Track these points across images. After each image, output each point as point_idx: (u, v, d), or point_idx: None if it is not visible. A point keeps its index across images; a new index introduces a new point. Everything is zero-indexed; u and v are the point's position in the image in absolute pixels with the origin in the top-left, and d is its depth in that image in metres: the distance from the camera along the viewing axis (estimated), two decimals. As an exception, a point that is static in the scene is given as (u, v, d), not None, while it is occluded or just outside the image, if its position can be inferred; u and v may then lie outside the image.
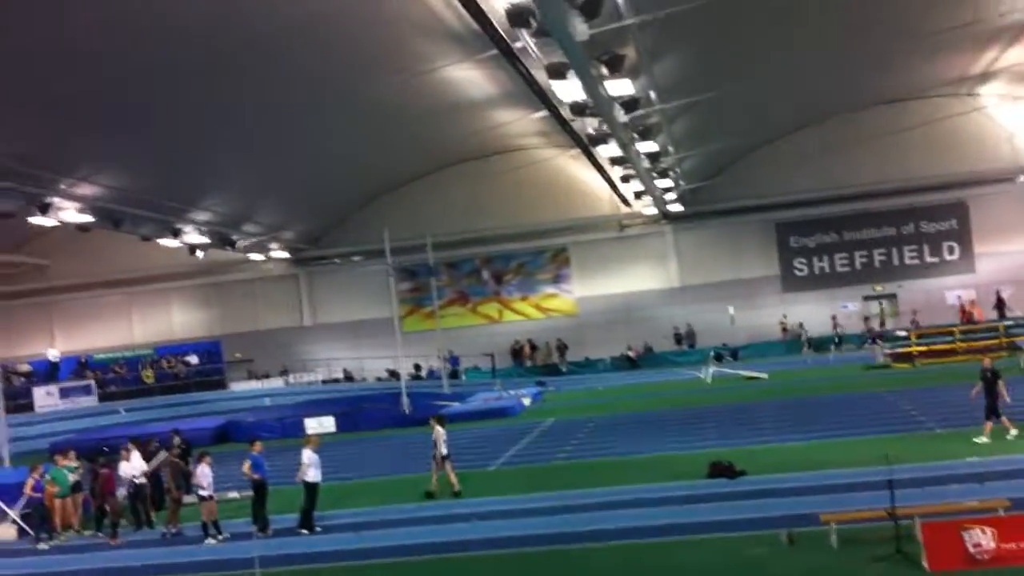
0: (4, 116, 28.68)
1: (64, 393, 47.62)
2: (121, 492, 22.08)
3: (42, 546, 21.03)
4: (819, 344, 49.42)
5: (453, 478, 21.66)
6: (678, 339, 53.06)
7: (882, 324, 50.54)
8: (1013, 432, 21.06)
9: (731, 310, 51.68)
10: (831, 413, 28.24)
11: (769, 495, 18.03)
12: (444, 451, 21.59)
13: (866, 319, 51.26)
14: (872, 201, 51.07)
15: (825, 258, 52.65)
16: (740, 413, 30.39)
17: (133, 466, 21.91)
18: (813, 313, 51.60)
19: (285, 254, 54.81)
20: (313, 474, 19.47)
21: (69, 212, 36.93)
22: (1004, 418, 21.25)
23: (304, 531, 19.21)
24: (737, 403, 33.01)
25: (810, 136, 50.73)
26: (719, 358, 48.27)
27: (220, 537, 19.50)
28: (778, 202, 51.51)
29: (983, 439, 20.98)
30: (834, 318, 50.63)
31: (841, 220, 52.13)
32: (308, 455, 19.64)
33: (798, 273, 52.87)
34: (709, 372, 42.01)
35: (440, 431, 21.77)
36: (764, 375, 40.65)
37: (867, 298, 52.29)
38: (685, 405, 33.97)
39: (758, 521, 16.06)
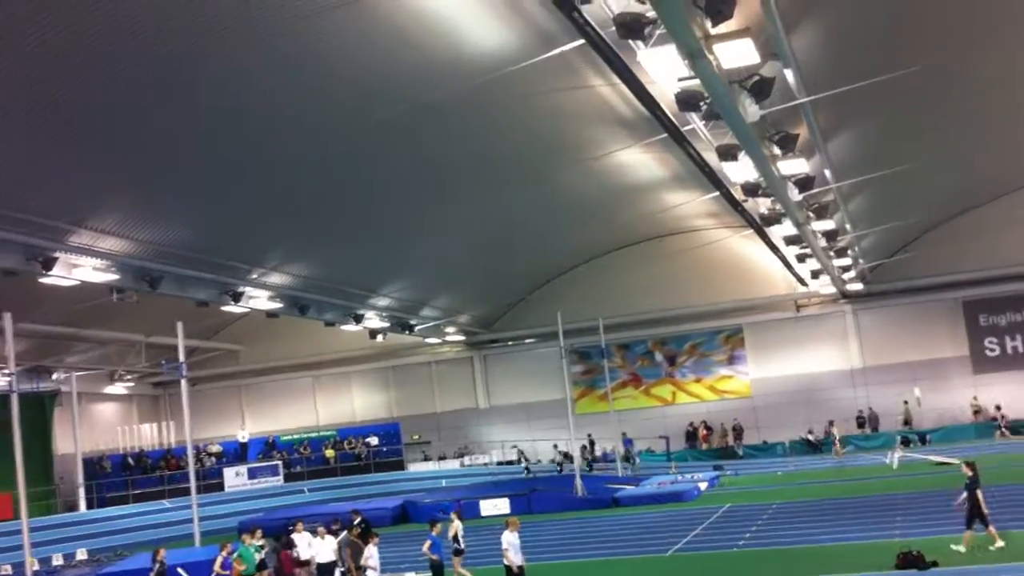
0: (201, 212, 30.69)
1: (252, 473, 49.72)
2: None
3: (228, 622, 21.85)
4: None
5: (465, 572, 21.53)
6: (860, 422, 51.11)
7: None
8: (999, 544, 19.93)
9: (917, 392, 49.54)
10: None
11: (963, 588, 17.11)
12: (461, 546, 21.47)
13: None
14: (1068, 276, 48.42)
15: (1018, 336, 49.94)
16: (930, 501, 28.89)
17: (321, 545, 22.55)
18: (1009, 394, 48.81)
19: (460, 337, 55.95)
20: (512, 557, 19.40)
21: (259, 300, 38.88)
22: (991, 527, 20.27)
23: None
24: (926, 490, 31.40)
25: (999, 208, 48.32)
26: (906, 442, 46.21)
27: None
28: (965, 279, 49.40)
29: (960, 548, 20.06)
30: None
31: (1034, 297, 49.57)
32: (508, 538, 19.54)
33: (989, 353, 50.28)
34: (895, 457, 40.20)
35: (458, 524, 21.71)
36: (956, 461, 38.56)
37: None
38: (870, 492, 32.57)
39: (952, 615, 15.25)
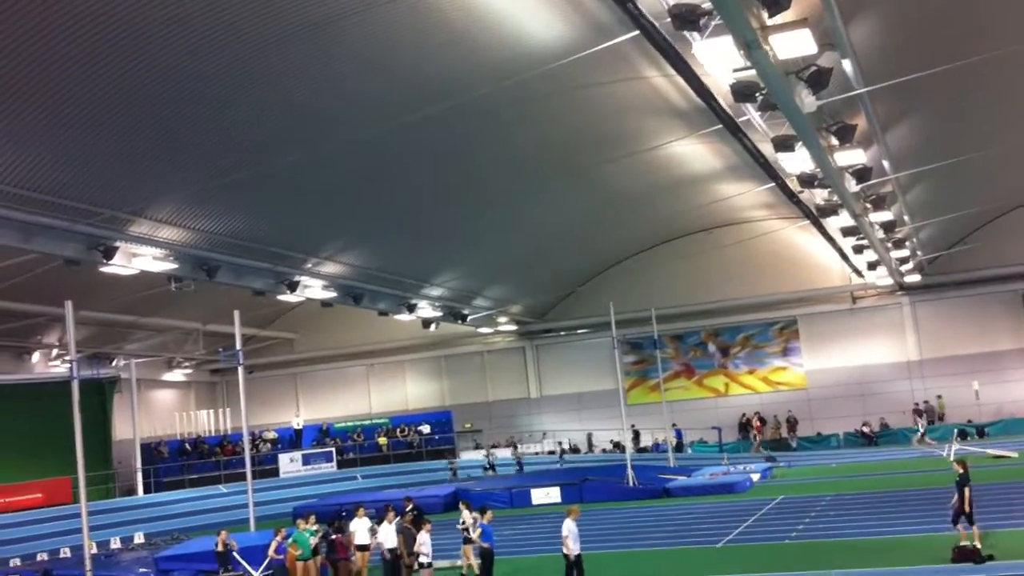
0: (258, 203, 31.07)
1: (306, 459, 50.30)
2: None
3: (279, 606, 22.14)
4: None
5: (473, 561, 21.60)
6: (917, 415, 50.45)
7: None
8: (977, 543, 19.48)
9: (976, 385, 48.80)
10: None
11: (1020, 584, 16.90)
12: (474, 535, 21.34)
13: None
14: None
15: (1080, 329, 49.05)
16: (986, 494, 28.42)
17: (389, 531, 22.70)
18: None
19: (512, 327, 56.08)
20: (571, 546, 19.08)
21: (315, 289, 39.31)
22: (974, 527, 19.87)
23: None
24: (983, 483, 30.84)
25: (1061, 200, 47.65)
26: (963, 435, 45.55)
27: None
28: (1025, 271, 48.69)
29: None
30: None
31: (1097, 289, 48.59)
32: (568, 526, 19.20)
33: (1050, 346, 49.41)
34: (952, 450, 39.68)
35: (467, 515, 21.75)
36: (1014, 454, 38.01)
37: None
38: (925, 485, 32.18)
39: (1009, 612, 15.09)
